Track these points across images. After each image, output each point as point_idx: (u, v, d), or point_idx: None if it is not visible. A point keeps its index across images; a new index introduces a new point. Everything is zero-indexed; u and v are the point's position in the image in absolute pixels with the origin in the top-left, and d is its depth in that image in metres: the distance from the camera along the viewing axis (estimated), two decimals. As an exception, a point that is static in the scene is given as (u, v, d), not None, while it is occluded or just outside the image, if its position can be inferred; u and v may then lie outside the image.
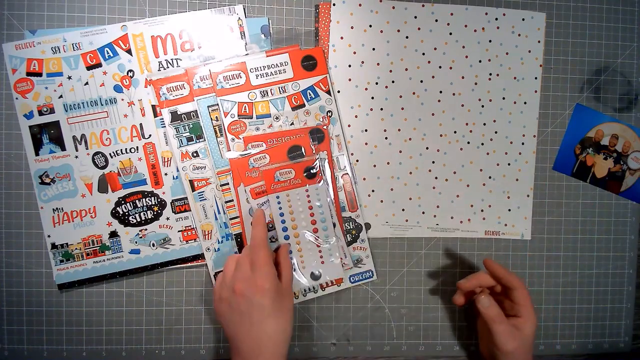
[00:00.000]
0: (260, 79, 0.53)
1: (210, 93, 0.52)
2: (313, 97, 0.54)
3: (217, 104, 0.52)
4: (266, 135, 0.53)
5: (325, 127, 0.54)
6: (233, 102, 0.52)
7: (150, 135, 0.53)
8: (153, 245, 0.54)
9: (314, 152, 0.53)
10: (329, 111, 0.54)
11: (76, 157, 0.53)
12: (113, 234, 0.54)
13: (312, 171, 0.53)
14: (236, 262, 0.48)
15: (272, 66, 0.53)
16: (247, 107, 0.53)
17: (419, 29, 0.56)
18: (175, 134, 0.53)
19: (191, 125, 0.53)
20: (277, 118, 0.53)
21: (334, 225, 0.54)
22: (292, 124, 0.54)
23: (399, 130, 0.57)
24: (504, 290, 0.52)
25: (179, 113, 0.52)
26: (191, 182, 0.53)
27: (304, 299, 0.55)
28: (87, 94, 0.53)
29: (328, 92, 0.54)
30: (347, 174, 0.55)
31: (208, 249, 0.54)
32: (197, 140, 0.53)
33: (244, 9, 0.54)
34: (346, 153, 0.55)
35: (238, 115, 0.53)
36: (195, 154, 0.53)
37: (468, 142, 0.58)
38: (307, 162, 0.52)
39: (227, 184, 0.53)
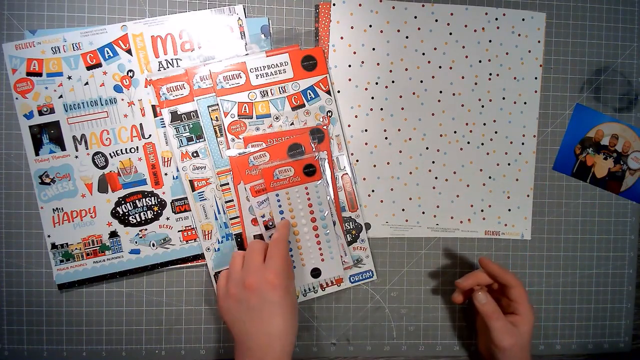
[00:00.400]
0: (260, 79, 0.53)
1: (210, 93, 0.52)
2: (313, 97, 0.54)
3: (217, 104, 0.52)
4: (266, 135, 0.53)
5: (325, 127, 0.54)
6: (233, 102, 0.52)
7: (150, 135, 0.53)
8: (153, 245, 0.54)
9: (314, 149, 0.53)
10: (329, 111, 0.54)
11: (76, 157, 0.53)
12: (113, 234, 0.54)
13: (311, 169, 0.53)
14: (244, 257, 0.48)
15: (272, 66, 0.53)
16: (247, 107, 0.53)
17: (419, 29, 0.56)
18: (175, 134, 0.53)
19: (191, 125, 0.53)
20: (277, 118, 0.53)
21: (334, 223, 0.54)
22: (292, 124, 0.54)
23: (399, 130, 0.57)
24: (502, 288, 0.52)
25: (179, 113, 0.52)
26: (191, 182, 0.53)
27: (304, 299, 0.55)
28: (87, 94, 0.53)
29: (328, 92, 0.54)
30: (347, 174, 0.55)
31: (208, 249, 0.54)
32: (197, 140, 0.53)
33: (244, 9, 0.54)
34: (346, 153, 0.55)
35: (238, 115, 0.53)
36: (195, 154, 0.53)
37: (468, 142, 0.58)
38: (307, 159, 0.53)
39: (227, 184, 0.53)
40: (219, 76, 0.52)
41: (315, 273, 0.54)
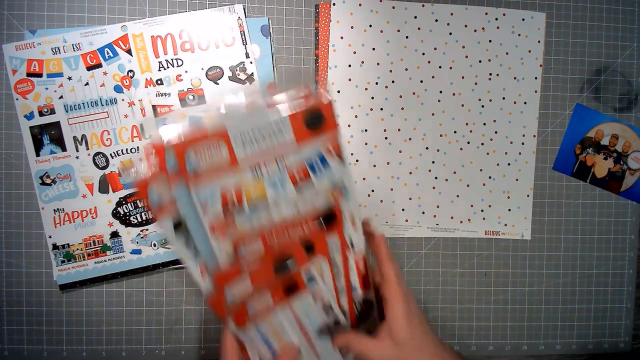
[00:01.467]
0: (248, 147, 0.34)
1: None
2: (322, 167, 0.37)
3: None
4: (263, 229, 0.36)
5: (337, 204, 0.38)
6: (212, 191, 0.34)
7: (150, 136, 0.53)
8: (154, 245, 0.54)
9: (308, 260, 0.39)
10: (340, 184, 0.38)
11: (77, 157, 0.53)
12: (114, 234, 0.54)
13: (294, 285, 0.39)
14: None
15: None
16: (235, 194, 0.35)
17: (419, 29, 0.57)
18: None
19: None
20: (276, 203, 0.36)
21: (338, 322, 0.41)
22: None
23: (399, 130, 0.57)
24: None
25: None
26: None
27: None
28: (87, 94, 0.53)
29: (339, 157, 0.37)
30: (361, 251, 0.41)
31: None
32: None
33: (244, 8, 0.54)
34: (361, 230, 0.41)
35: (222, 207, 0.35)
36: None
37: (468, 142, 0.58)
38: (293, 275, 0.39)
39: None
40: (189, 150, 0.33)
41: None
